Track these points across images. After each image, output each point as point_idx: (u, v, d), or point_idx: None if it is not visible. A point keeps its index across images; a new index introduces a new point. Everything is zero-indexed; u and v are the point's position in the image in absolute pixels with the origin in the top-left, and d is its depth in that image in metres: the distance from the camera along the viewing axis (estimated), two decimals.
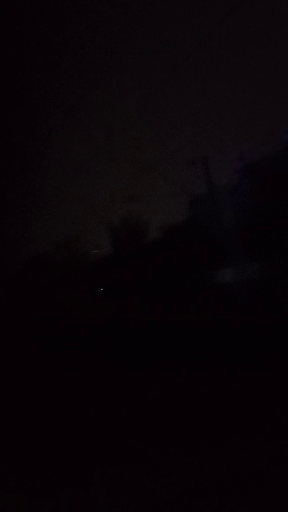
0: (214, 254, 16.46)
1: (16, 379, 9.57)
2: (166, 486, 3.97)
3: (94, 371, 9.32)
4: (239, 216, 15.79)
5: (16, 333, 21.20)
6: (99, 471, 4.44)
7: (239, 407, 5.70)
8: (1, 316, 37.16)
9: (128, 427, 5.59)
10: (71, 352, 12.45)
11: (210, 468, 4.19)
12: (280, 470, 3.97)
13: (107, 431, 5.57)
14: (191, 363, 8.62)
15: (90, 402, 7.02)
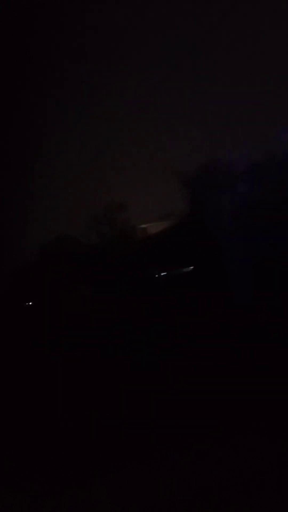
0: None
1: (18, 379, 9.54)
2: (166, 486, 3.97)
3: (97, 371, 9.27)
4: None
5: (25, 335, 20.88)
6: (99, 471, 4.44)
7: (239, 406, 5.69)
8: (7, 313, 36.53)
9: (128, 427, 5.59)
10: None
11: (211, 468, 4.19)
12: (281, 470, 3.96)
13: (107, 430, 5.56)
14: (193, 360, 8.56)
15: (90, 401, 7.01)
